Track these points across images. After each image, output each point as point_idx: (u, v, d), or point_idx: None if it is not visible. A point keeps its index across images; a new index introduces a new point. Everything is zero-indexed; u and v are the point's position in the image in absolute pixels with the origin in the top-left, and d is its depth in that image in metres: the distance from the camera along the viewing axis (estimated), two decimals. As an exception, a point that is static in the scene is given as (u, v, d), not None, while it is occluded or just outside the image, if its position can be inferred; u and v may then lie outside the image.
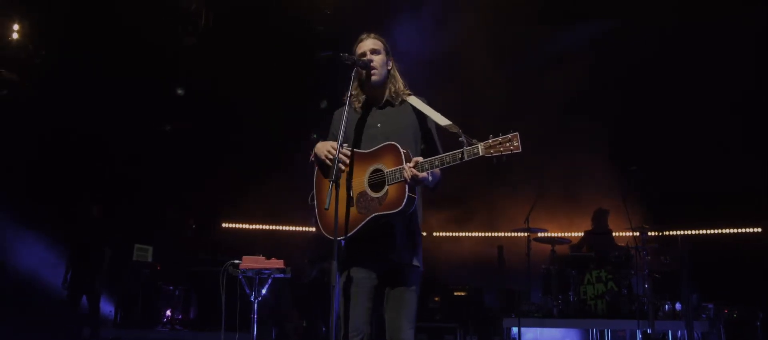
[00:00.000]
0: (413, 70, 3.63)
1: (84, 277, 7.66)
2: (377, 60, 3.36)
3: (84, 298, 7.72)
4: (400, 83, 3.44)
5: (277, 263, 4.77)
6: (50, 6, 8.71)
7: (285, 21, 8.88)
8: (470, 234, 10.86)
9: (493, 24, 8.19)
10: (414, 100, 3.38)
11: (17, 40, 8.80)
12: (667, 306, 7.40)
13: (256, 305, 4.81)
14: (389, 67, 3.43)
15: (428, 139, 3.38)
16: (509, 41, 8.51)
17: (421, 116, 3.36)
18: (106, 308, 8.66)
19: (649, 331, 6.55)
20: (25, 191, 8.69)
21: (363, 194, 3.18)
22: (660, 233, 8.17)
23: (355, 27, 3.75)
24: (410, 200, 3.08)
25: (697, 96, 8.67)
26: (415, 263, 3.26)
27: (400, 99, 3.40)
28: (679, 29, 8.24)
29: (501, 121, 8.17)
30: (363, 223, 3.13)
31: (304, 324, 8.93)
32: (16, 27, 8.78)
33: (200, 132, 10.10)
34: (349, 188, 3.20)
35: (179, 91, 10.25)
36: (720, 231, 9.92)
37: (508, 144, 2.91)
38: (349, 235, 3.11)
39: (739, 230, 9.85)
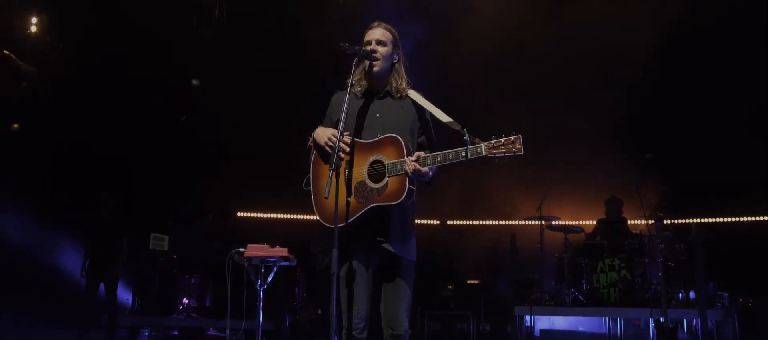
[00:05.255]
0: (418, 55, 3.62)
1: (102, 265, 7.80)
2: (381, 51, 3.36)
3: (102, 286, 7.86)
4: (404, 80, 3.42)
5: (281, 251, 4.81)
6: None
7: (300, 10, 8.89)
8: (483, 222, 10.83)
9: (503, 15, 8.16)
10: (413, 94, 3.39)
11: (36, 33, 8.96)
12: (680, 295, 7.34)
13: (261, 293, 4.87)
14: (394, 61, 3.42)
15: (425, 132, 3.40)
16: (519, 31, 8.46)
17: (420, 109, 3.38)
18: (124, 295, 8.81)
19: (661, 320, 6.51)
20: (44, 180, 8.84)
21: (362, 183, 3.21)
22: (674, 221, 8.08)
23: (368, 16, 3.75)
24: (410, 192, 3.12)
25: (713, 82, 8.53)
26: (409, 257, 3.29)
27: (401, 94, 3.40)
28: (695, 13, 8.10)
29: (515, 110, 8.24)
30: (361, 212, 3.16)
31: (319, 312, 9.02)
32: (34, 20, 8.93)
33: (215, 122, 10.19)
34: (348, 176, 3.22)
35: (194, 82, 10.37)
36: (736, 219, 9.78)
37: (510, 146, 2.96)
38: (345, 224, 3.13)
39: (756, 218, 9.69)
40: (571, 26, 8.29)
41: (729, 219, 9.79)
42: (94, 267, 7.76)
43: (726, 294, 7.21)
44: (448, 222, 10.92)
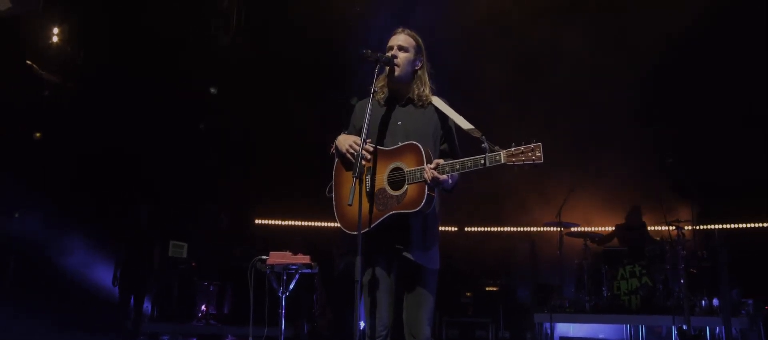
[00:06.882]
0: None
1: (134, 275, 7.81)
2: (402, 57, 3.34)
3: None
4: (427, 87, 3.40)
5: (304, 259, 4.83)
6: (88, 8, 8.97)
7: (317, 17, 8.92)
8: (502, 229, 10.76)
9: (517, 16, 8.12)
10: (436, 101, 3.37)
11: (58, 43, 9.09)
12: (703, 302, 7.23)
13: (283, 300, 4.88)
14: (417, 67, 3.40)
15: (448, 140, 3.38)
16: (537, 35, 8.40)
17: (443, 117, 3.36)
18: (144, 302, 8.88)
19: (684, 327, 6.43)
20: (66, 187, 8.94)
21: (382, 190, 3.20)
22: (697, 227, 7.96)
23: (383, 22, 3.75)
24: (429, 200, 3.10)
25: (735, 84, 8.39)
26: (431, 265, 3.27)
27: (423, 101, 3.38)
28: (716, 13, 7.98)
29: (533, 115, 8.18)
30: (380, 220, 3.16)
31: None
32: (56, 30, 9.07)
33: (232, 129, 10.25)
34: (369, 184, 3.21)
35: (212, 90, 10.44)
36: (761, 225, 9.57)
37: (530, 154, 2.91)
38: (365, 231, 3.12)
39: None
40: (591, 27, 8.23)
41: (753, 225, 9.60)
42: (126, 277, 7.78)
43: (751, 301, 7.07)
44: (467, 229, 10.86)
